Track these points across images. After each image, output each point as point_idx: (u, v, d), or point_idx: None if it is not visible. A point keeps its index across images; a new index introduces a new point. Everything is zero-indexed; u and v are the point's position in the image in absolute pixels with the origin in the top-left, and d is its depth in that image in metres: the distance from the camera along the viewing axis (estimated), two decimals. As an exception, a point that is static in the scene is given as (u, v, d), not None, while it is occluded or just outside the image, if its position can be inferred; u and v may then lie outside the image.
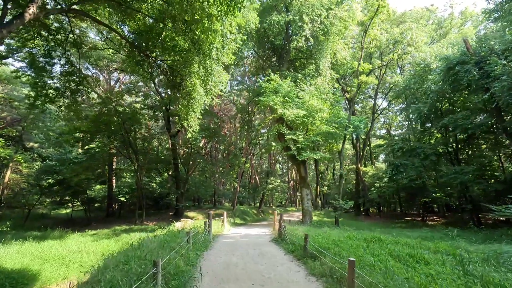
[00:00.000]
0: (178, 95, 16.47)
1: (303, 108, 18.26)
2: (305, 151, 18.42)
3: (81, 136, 23.92)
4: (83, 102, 19.09)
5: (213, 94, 14.97)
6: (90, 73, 30.17)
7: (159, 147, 37.28)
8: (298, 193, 61.99)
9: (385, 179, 29.71)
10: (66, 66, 14.67)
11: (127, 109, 22.52)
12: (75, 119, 18.69)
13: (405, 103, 36.18)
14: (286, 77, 19.40)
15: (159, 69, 17.52)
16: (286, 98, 18.37)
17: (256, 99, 19.36)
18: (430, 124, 22.31)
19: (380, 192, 28.10)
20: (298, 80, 20.06)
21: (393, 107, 41.40)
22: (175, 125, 23.32)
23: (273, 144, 19.33)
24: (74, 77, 14.69)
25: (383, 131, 48.44)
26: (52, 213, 30.07)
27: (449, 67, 18.54)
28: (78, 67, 15.55)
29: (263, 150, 54.74)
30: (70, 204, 27.47)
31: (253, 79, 31.14)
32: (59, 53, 13.93)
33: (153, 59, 16.07)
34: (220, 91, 36.07)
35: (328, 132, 18.18)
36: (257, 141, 48.93)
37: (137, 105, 27.28)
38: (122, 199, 24.21)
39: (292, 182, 58.17)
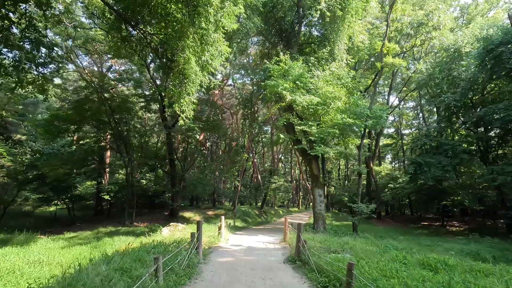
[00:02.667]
0: (169, 74, 13.20)
1: (317, 95, 15.06)
2: (319, 145, 15.20)
3: (71, 126, 20.67)
4: (52, 77, 15.92)
5: (210, 69, 11.80)
6: (84, 63, 27.17)
7: (158, 143, 34.16)
8: (301, 193, 58.70)
9: (400, 180, 26.48)
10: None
11: (115, 96, 19.33)
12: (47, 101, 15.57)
13: (419, 98, 32.99)
14: (297, 60, 16.21)
15: (149, 47, 14.27)
16: (297, 82, 15.17)
17: (262, 83, 16.18)
18: (461, 118, 19.00)
19: (395, 194, 24.85)
20: (310, 64, 16.87)
21: (403, 104, 38.17)
22: (166, 110, 20.11)
23: (281, 136, 16.15)
24: (40, 47, 11.51)
25: (391, 130, 45.15)
26: (38, 211, 26.94)
27: (490, 49, 15.32)
28: (45, 35, 12.30)
29: (265, 148, 51.63)
30: (58, 202, 24.32)
31: (257, 70, 27.93)
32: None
33: (142, 31, 12.87)
34: (220, 81, 32.88)
35: (346, 123, 14.94)
36: (260, 138, 45.78)
37: (134, 99, 24.14)
38: (106, 197, 21.00)
39: (294, 181, 54.97)
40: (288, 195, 49.62)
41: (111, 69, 26.88)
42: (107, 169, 29.51)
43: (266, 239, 12.15)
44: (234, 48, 16.59)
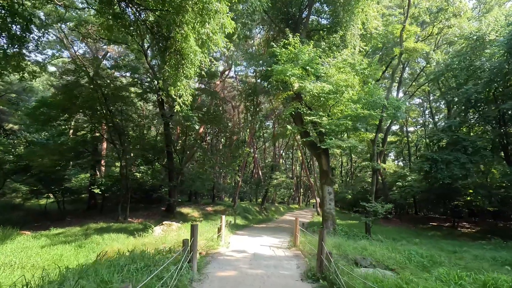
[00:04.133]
0: (165, 53, 11.40)
1: (328, 83, 13.36)
2: (330, 138, 13.54)
3: (61, 114, 18.80)
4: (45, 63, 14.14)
5: (211, 46, 10.09)
6: (80, 51, 25.36)
7: (157, 137, 32.53)
8: (301, 190, 57.16)
9: (409, 178, 24.90)
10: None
11: (108, 81, 17.57)
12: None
13: (428, 93, 31.29)
14: (307, 44, 14.45)
15: (144, 25, 12.50)
16: (307, 67, 13.48)
17: (269, 68, 14.47)
18: (481, 112, 17.30)
19: (404, 193, 23.25)
20: (320, 50, 15.13)
21: (409, 100, 36.42)
22: (161, 93, 18.37)
23: (289, 127, 14.46)
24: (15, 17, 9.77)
25: (395, 127, 43.44)
26: (29, 203, 25.27)
27: (520, 35, 13.60)
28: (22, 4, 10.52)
29: (266, 144, 49.91)
30: (49, 195, 22.63)
31: (261, 62, 26.13)
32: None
33: (135, 6, 11.14)
34: (223, 70, 30.92)
35: (361, 114, 13.26)
36: (261, 133, 44.08)
37: (131, 88, 22.36)
38: (96, 191, 19.33)
39: (295, 178, 53.33)
40: (290, 191, 48.09)
41: (107, 56, 25.04)
42: (103, 162, 27.87)
43: (272, 241, 10.53)
44: (238, 29, 14.85)
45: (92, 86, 16.92)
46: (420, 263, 8.95)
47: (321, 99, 13.58)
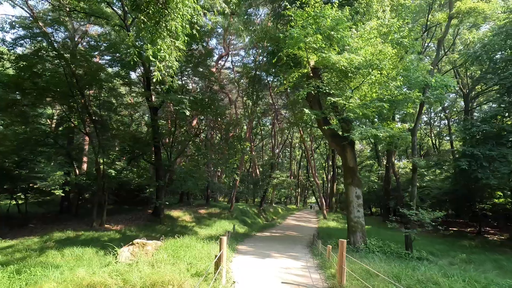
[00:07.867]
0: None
1: (356, 55, 9.87)
2: (360, 126, 10.06)
3: (19, 96, 14.69)
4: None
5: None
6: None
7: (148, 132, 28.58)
8: (299, 190, 53.57)
9: (426, 178, 21.69)
10: None
11: (78, 56, 13.71)
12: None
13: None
14: (331, 4, 10.89)
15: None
16: (332, 32, 9.95)
17: (281, 35, 10.88)
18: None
19: (423, 194, 19.98)
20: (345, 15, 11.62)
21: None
22: (131, 50, 14.53)
23: (306, 111, 10.90)
24: None
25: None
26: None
27: None
28: None
29: (264, 141, 46.33)
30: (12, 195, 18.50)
31: (261, 50, 22.52)
32: None
33: None
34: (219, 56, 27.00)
35: (397, 96, 9.88)
36: (259, 131, 40.54)
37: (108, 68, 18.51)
38: (57, 192, 15.44)
39: (292, 177, 49.75)
40: (291, 191, 44.54)
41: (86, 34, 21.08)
42: (85, 158, 23.86)
43: (292, 268, 6.97)
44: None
45: (57, 61, 13.05)
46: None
47: (349, 74, 10.08)
